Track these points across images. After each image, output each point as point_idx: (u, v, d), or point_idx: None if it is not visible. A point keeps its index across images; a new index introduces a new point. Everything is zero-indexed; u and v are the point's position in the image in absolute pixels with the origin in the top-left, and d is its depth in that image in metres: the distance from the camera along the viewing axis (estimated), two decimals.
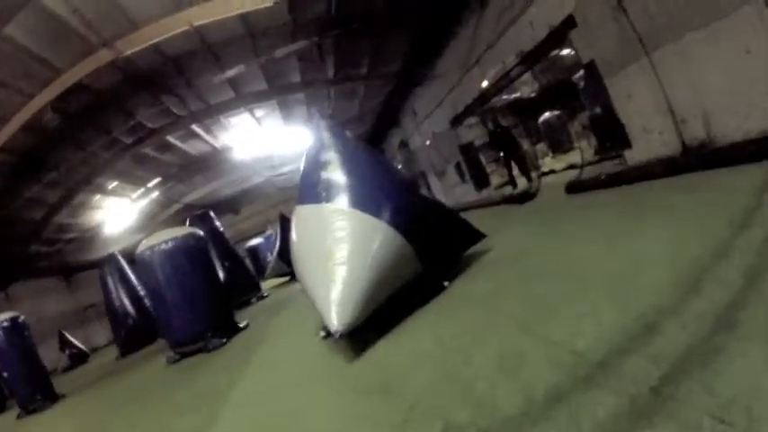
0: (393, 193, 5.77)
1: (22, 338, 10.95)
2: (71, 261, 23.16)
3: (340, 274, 4.87)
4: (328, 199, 5.59)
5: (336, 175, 5.79)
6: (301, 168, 6.48)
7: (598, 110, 10.12)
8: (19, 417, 10.47)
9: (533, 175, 14.85)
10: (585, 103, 11.85)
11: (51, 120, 11.98)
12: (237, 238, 28.96)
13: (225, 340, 9.27)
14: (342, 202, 5.52)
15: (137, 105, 13.73)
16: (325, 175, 5.85)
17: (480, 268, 6.10)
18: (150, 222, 24.38)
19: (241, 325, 10.17)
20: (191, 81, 13.48)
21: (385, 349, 4.56)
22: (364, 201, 5.49)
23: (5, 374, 10.85)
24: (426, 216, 5.97)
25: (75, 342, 20.53)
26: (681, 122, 7.23)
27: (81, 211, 19.58)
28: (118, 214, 21.93)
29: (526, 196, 11.38)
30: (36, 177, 14.78)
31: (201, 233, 10.27)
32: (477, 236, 6.73)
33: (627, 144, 8.35)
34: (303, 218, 5.93)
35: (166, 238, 9.50)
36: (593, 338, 2.90)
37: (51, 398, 10.80)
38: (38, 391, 10.65)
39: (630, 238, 4.67)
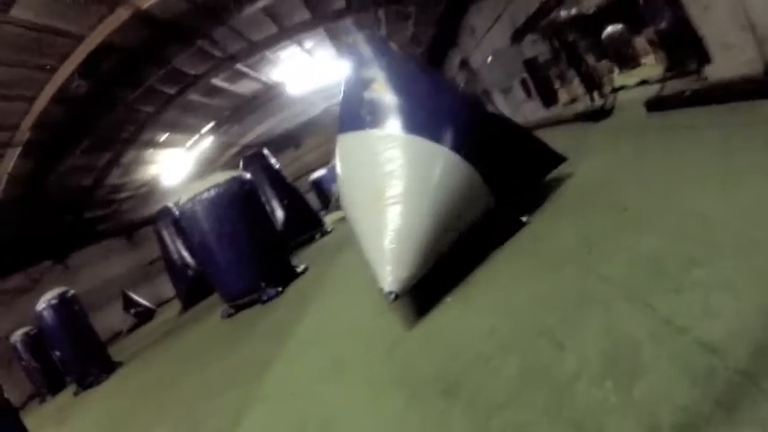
0: (453, 111, 4.68)
1: (72, 313, 10.77)
2: (130, 219, 23.13)
3: (393, 216, 3.91)
4: (374, 123, 4.53)
5: (382, 94, 4.69)
6: (341, 94, 5.39)
7: (671, 22, 8.77)
8: (76, 394, 10.36)
9: (606, 90, 13.44)
10: (656, 14, 10.44)
11: (79, 86, 11.62)
12: (301, 172, 28.46)
13: (280, 289, 8.59)
14: (391, 126, 4.47)
15: (173, 55, 13.21)
16: (368, 95, 4.76)
17: (564, 203, 4.92)
18: (209, 167, 23.99)
19: (299, 270, 9.41)
20: (225, 21, 12.77)
21: (449, 318, 3.60)
22: (419, 122, 4.43)
23: (58, 353, 10.91)
24: (496, 136, 4.85)
25: (140, 300, 20.48)
26: (762, 40, 6.01)
27: (133, 168, 19.39)
28: (173, 165, 21.69)
29: (601, 113, 10.08)
30: (77, 146, 14.55)
31: (247, 176, 9.44)
32: (557, 159, 5.57)
33: (706, 59, 7.17)
34: (346, 149, 4.89)
35: (207, 186, 8.76)
36: (731, 326, 1.96)
37: (107, 369, 10.63)
38: (93, 364, 10.50)
39: (746, 176, 3.37)
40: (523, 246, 4.25)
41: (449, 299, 3.88)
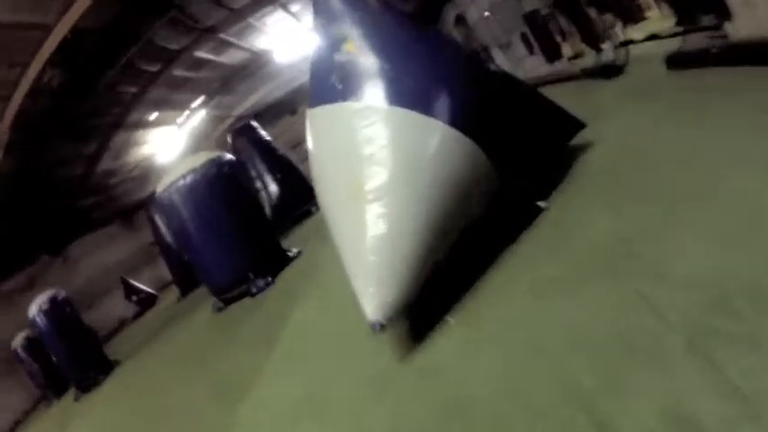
0: (448, 74, 3.70)
1: (64, 316, 10.44)
2: (127, 202, 22.43)
3: (374, 217, 3.04)
4: (348, 94, 3.56)
5: (357, 55, 3.72)
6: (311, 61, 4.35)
7: None
8: (76, 398, 10.08)
9: (614, 44, 12.41)
10: None
11: (53, 77, 11.02)
12: (299, 140, 27.53)
13: (270, 280, 7.84)
14: (370, 96, 3.51)
15: (150, 31, 12.34)
16: (339, 58, 3.77)
17: (587, 183, 3.99)
18: (205, 141, 23.34)
19: (291, 254, 8.60)
20: None
21: (451, 350, 2.80)
22: (404, 90, 3.49)
23: (54, 358, 10.65)
24: (503, 101, 3.93)
25: (141, 286, 19.86)
26: None
27: (125, 151, 18.62)
28: (167, 143, 20.96)
29: (613, 69, 9.06)
30: (62, 137, 13.91)
31: (226, 157, 8.56)
32: (574, 126, 4.64)
33: (726, 15, 6.26)
34: (316, 127, 3.92)
35: (183, 171, 7.95)
36: None
37: (104, 370, 10.33)
38: (89, 366, 10.25)
39: None
40: (544, 242, 3.37)
41: (450, 319, 3.06)
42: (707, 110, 4.31)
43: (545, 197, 3.93)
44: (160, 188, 8.22)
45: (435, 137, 3.31)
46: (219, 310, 8.31)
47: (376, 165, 3.19)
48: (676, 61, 6.85)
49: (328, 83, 3.71)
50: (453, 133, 3.33)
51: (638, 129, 4.83)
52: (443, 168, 3.21)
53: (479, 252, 3.53)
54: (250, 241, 8.09)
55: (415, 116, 3.36)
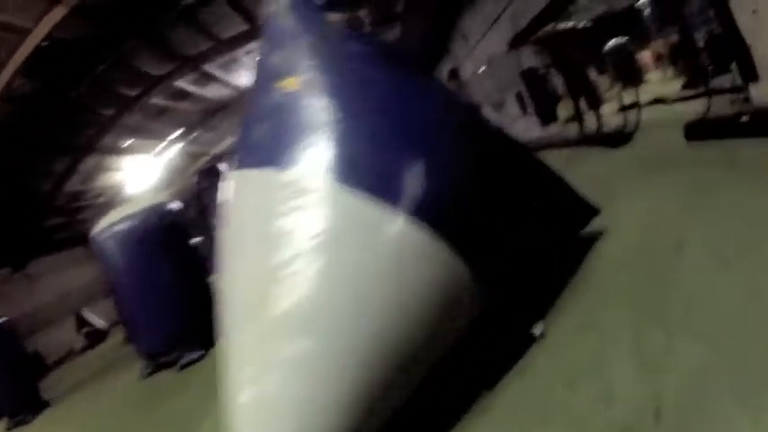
0: (431, 138, 2.58)
1: (2, 344, 9.46)
2: (90, 229, 21.54)
3: (285, 362, 1.95)
4: (275, 156, 2.42)
5: (301, 96, 2.57)
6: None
7: (689, 33, 8.40)
8: (8, 429, 9.28)
9: (622, 106, 11.63)
10: (672, 24, 9.60)
11: (23, 85, 10.54)
12: None
13: (202, 353, 6.76)
14: (309, 161, 2.38)
15: (131, 52, 11.82)
16: (274, 98, 2.64)
17: (600, 302, 2.88)
18: (180, 177, 22.59)
19: None
20: (185, 13, 11.27)
21: None
22: (361, 158, 2.39)
23: None
24: (500, 181, 2.80)
25: (94, 321, 19.12)
26: None
27: (95, 175, 18.02)
28: (140, 173, 20.34)
29: (621, 137, 8.20)
30: (30, 150, 13.53)
31: (172, 205, 7.47)
32: (586, 213, 3.61)
33: (752, 75, 5.90)
34: (236, 201, 2.70)
35: (122, 216, 6.99)
36: None
37: (35, 409, 9.42)
38: (21, 402, 9.41)
39: None
40: (530, 406, 2.25)
41: None
42: (741, 193, 3.54)
43: (542, 317, 2.82)
44: (96, 229, 7.28)
45: (392, 239, 2.21)
46: (148, 375, 7.24)
47: (297, 277, 2.07)
48: (698, 131, 6.11)
49: (255, 135, 2.61)
50: (422, 235, 2.23)
51: (659, 217, 3.89)
52: (400, 291, 2.09)
53: (434, 417, 2.38)
54: (184, 305, 7.03)
55: (368, 204, 2.25)
